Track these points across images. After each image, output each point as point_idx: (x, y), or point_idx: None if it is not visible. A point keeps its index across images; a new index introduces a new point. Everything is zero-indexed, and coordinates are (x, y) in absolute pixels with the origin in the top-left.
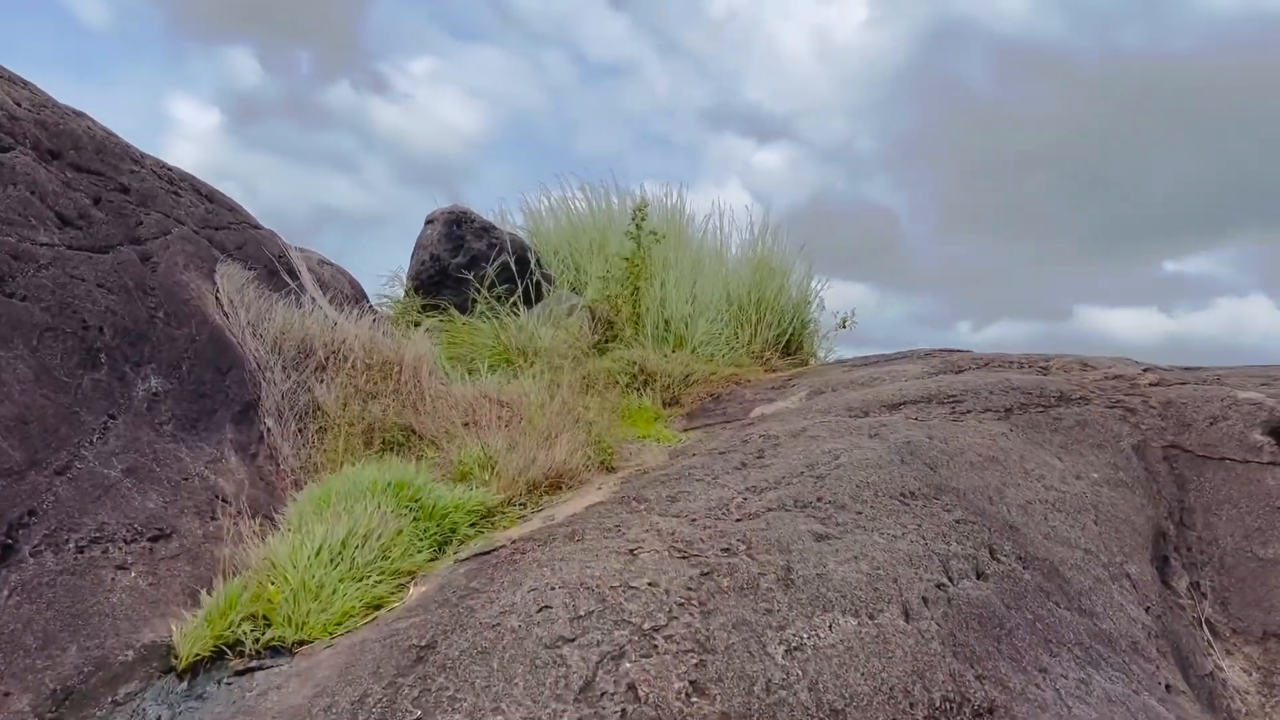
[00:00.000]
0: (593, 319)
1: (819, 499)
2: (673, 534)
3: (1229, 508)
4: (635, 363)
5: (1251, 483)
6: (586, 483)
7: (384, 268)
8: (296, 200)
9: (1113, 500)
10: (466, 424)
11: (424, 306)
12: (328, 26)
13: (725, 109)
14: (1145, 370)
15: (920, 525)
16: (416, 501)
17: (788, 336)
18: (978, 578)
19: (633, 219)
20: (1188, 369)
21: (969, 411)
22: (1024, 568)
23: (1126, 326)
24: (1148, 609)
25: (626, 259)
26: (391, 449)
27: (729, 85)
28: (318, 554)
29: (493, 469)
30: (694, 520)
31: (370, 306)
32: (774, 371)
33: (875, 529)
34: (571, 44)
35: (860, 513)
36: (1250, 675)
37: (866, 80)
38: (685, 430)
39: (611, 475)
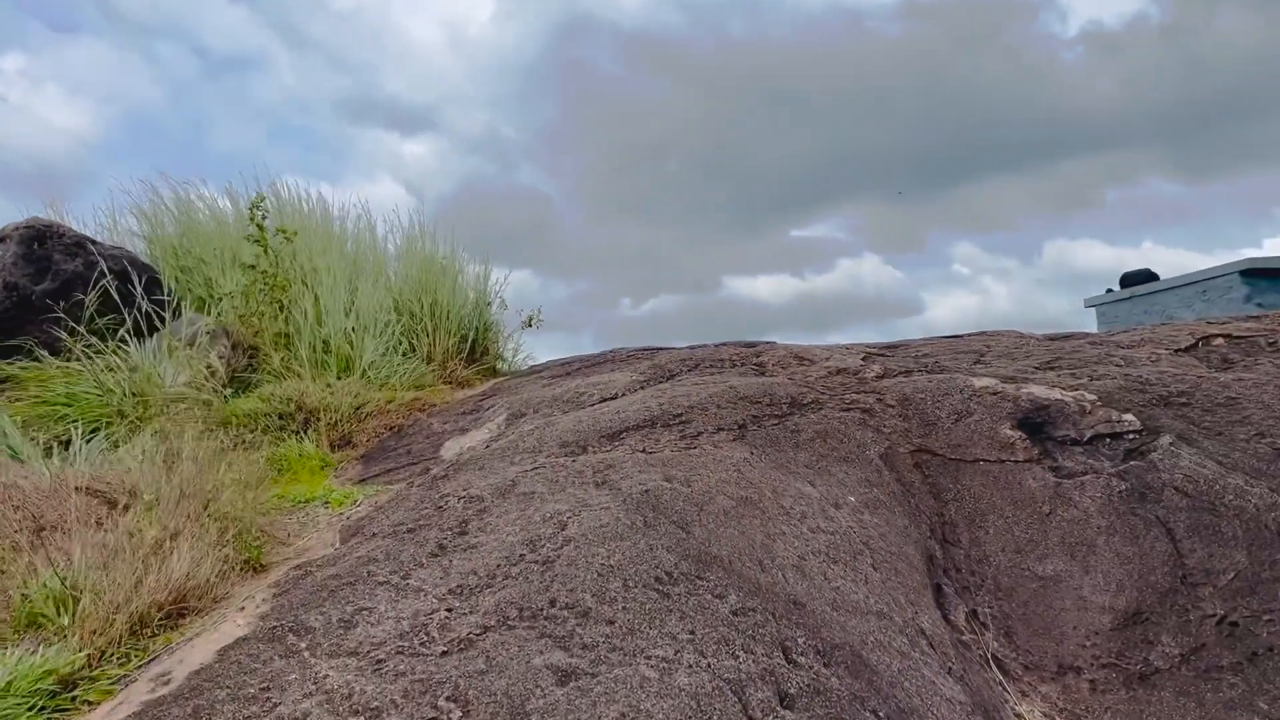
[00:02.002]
0: (230, 346)
1: (553, 602)
2: (350, 696)
3: (994, 518)
4: (291, 399)
5: (1012, 486)
6: (225, 599)
7: None
8: None
9: (880, 531)
10: (39, 531)
11: (1, 351)
12: None
13: (364, 101)
14: (865, 359)
15: (694, 633)
16: None
17: (470, 342)
18: (783, 706)
19: (250, 217)
20: (889, 346)
21: (700, 434)
22: (828, 667)
23: (767, 291)
24: (950, 670)
25: (252, 266)
26: None
27: (365, 78)
28: None
29: (75, 606)
30: (380, 663)
31: None
32: (462, 386)
33: (638, 650)
34: (186, 35)
35: (613, 621)
36: None
37: (503, 71)
38: (362, 482)
39: (262, 579)
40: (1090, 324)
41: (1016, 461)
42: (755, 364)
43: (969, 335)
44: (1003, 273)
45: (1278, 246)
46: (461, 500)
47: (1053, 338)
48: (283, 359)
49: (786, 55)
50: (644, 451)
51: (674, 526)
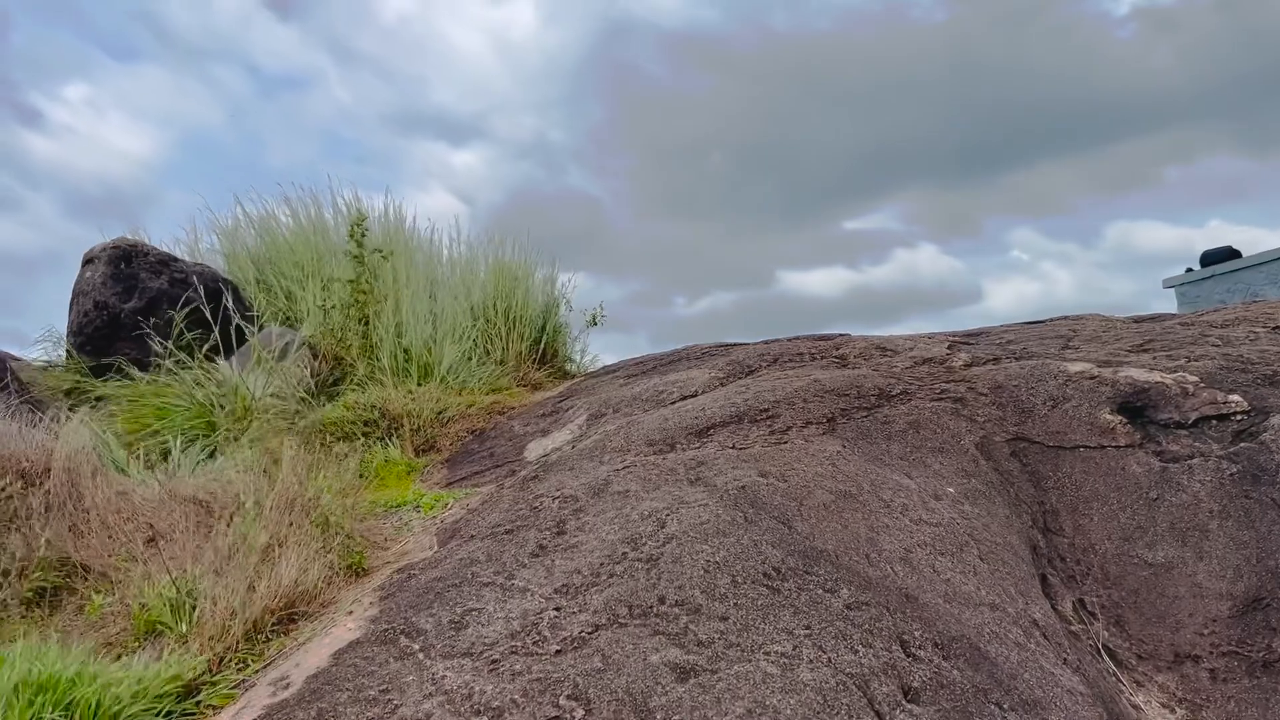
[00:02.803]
0: (315, 358)
1: (662, 599)
2: (470, 696)
3: (1098, 505)
4: (375, 406)
5: (1115, 472)
6: (333, 604)
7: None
8: None
9: (983, 521)
10: (151, 541)
11: (94, 369)
12: None
13: (414, 113)
14: (950, 348)
15: (810, 627)
16: (67, 703)
17: (542, 345)
18: (908, 699)
19: (351, 235)
20: (971, 334)
21: (790, 428)
22: (948, 660)
23: (822, 284)
24: (1065, 660)
25: (351, 282)
26: (41, 599)
27: (414, 89)
28: None
29: (192, 613)
30: (495, 663)
31: (11, 382)
32: (537, 389)
33: (755, 646)
34: (240, 57)
35: (725, 617)
36: (1174, 713)
37: (549, 77)
38: (449, 486)
39: (365, 583)
40: (1167, 305)
41: (1118, 446)
42: (836, 356)
43: (1053, 320)
44: (1063, 257)
45: None
46: (556, 500)
47: (1139, 320)
48: (366, 368)
49: (829, 46)
50: (734, 448)
51: (775, 522)
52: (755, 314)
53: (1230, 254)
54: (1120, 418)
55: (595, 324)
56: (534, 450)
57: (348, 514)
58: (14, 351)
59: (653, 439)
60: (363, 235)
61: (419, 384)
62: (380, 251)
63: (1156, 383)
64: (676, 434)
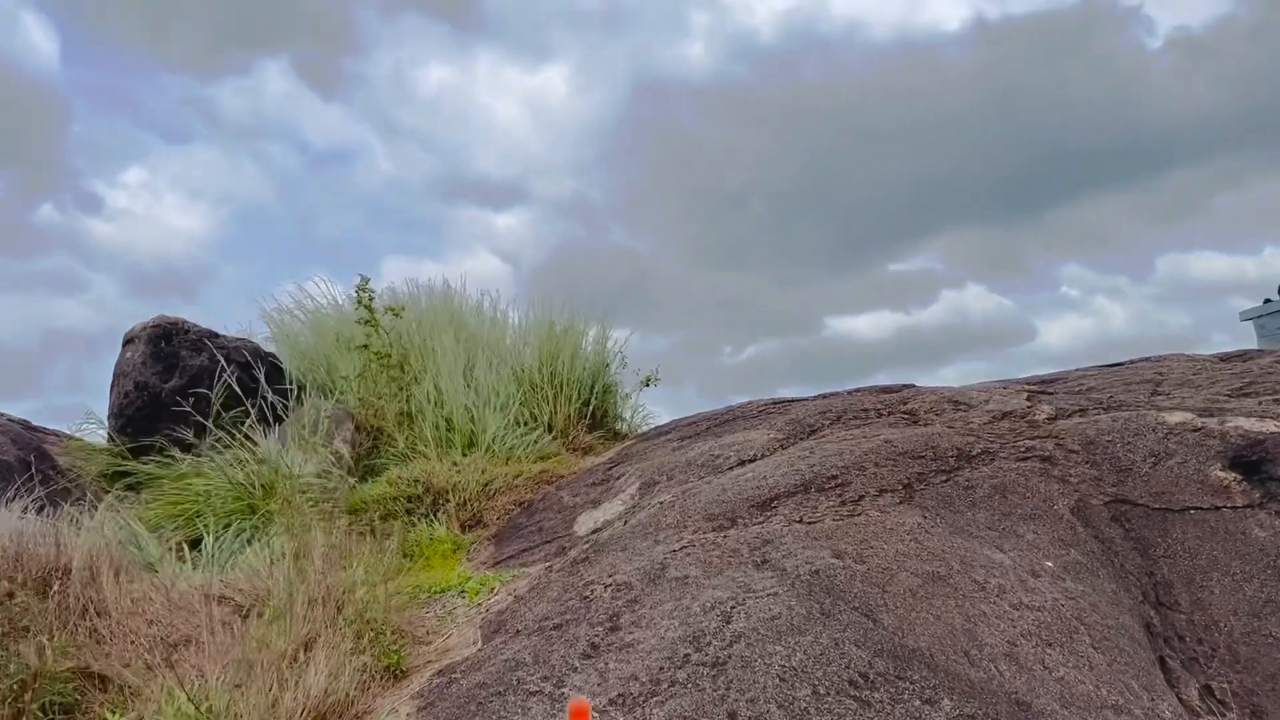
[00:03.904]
0: (355, 430)
1: (733, 716)
2: None
3: (1218, 575)
4: (418, 480)
5: (1235, 537)
6: (367, 714)
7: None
8: (21, 330)
9: (1090, 600)
10: (175, 646)
11: (135, 450)
12: (27, 149)
13: (456, 181)
14: (1029, 399)
15: None
16: None
17: (591, 406)
18: None
19: (358, 300)
20: (1046, 381)
21: (862, 497)
22: None
23: (869, 329)
24: None
25: (364, 346)
26: (54, 715)
27: (456, 158)
28: None
29: None
30: None
31: (47, 469)
32: (588, 453)
33: None
34: (289, 135)
35: None
36: None
37: (586, 139)
38: (496, 565)
39: (403, 688)
40: (1237, 338)
41: (1235, 508)
42: (904, 412)
43: (1134, 362)
44: (1114, 292)
45: None
46: (608, 589)
47: (1227, 358)
48: (407, 439)
49: (861, 91)
50: (801, 522)
51: (857, 614)
52: (804, 361)
53: None
54: (1234, 474)
55: (649, 384)
56: (584, 524)
57: (384, 606)
58: (65, 428)
59: (711, 513)
60: (370, 299)
61: (463, 454)
62: (394, 309)
63: (1271, 433)
64: (737, 506)
